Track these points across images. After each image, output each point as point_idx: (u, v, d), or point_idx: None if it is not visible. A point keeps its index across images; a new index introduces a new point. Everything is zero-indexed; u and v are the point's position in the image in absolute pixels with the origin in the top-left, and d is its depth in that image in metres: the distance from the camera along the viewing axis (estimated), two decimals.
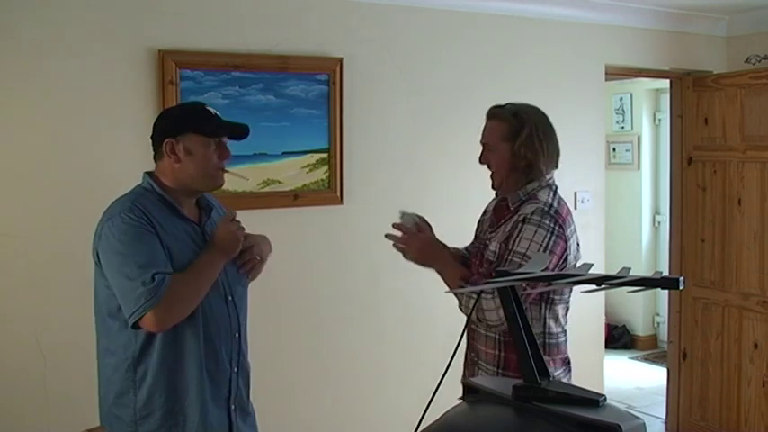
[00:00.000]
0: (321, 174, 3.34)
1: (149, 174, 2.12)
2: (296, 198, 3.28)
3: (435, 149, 3.67)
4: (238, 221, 2.11)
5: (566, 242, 2.27)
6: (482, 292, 2.17)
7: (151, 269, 1.92)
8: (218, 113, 2.12)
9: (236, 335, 2.16)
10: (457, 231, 3.83)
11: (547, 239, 2.22)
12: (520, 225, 2.25)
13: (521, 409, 1.62)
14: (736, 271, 4.22)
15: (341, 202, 3.40)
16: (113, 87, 2.94)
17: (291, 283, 3.31)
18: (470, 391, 1.88)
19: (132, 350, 2.02)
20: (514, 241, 2.23)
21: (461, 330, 2.23)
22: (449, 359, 1.81)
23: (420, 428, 1.71)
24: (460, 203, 3.76)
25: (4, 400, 2.81)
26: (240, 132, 2.14)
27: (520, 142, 2.34)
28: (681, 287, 1.49)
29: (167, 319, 1.95)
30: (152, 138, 2.11)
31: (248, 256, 2.18)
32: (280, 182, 3.22)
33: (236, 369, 2.15)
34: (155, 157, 2.11)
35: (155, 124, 2.13)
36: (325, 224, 3.41)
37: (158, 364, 2.01)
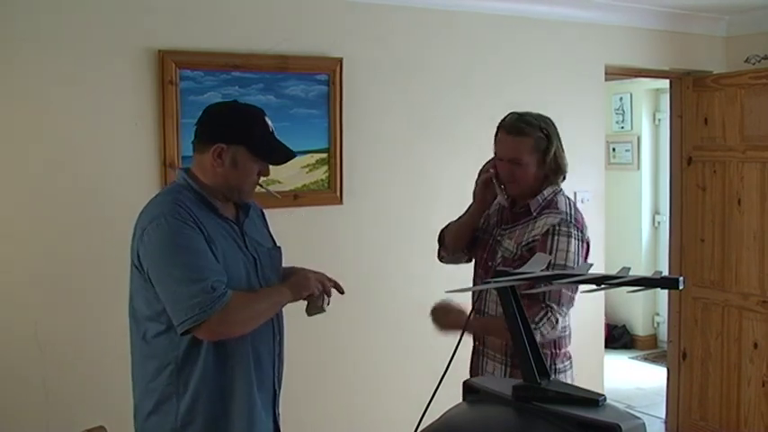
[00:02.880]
0: (321, 174, 3.34)
1: (186, 171, 2.05)
2: (296, 198, 3.28)
3: (435, 149, 3.67)
4: (321, 276, 2.14)
5: (588, 245, 2.41)
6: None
7: (208, 278, 1.85)
8: (273, 129, 2.05)
9: (278, 338, 2.13)
10: None
11: (578, 247, 2.33)
12: (551, 237, 2.30)
13: (521, 409, 1.62)
14: (736, 271, 4.22)
15: (341, 202, 3.40)
16: (113, 87, 2.94)
17: None
18: (470, 391, 1.88)
19: (176, 354, 1.94)
20: (555, 255, 2.28)
21: (461, 330, 2.23)
22: (449, 359, 1.81)
23: (420, 428, 1.71)
24: (460, 203, 3.76)
25: (3, 399, 2.81)
26: (286, 160, 2.09)
27: (550, 155, 2.40)
28: (681, 287, 1.49)
29: (222, 332, 1.90)
30: (200, 126, 2.03)
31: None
32: (280, 182, 3.22)
33: (276, 374, 2.13)
34: (195, 146, 2.03)
35: (208, 116, 2.04)
36: (326, 224, 3.41)
37: (203, 368, 1.94)
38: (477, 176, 2.53)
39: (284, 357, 2.19)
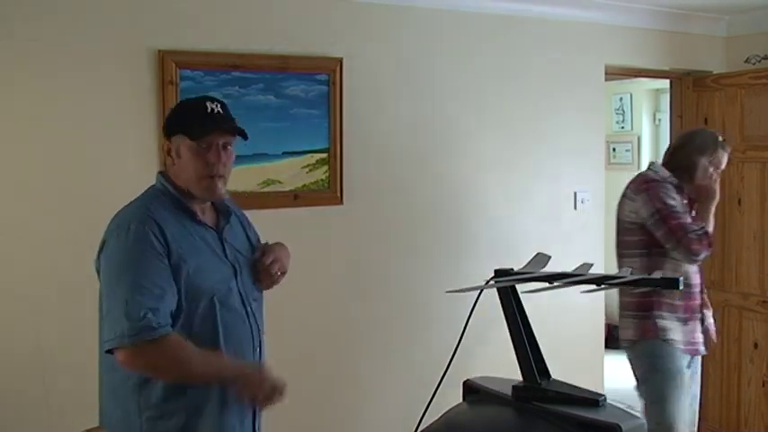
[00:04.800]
0: (321, 174, 3.34)
1: (162, 173, 2.02)
2: (296, 198, 3.28)
3: (435, 149, 3.67)
4: (274, 381, 1.95)
5: None
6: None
7: (145, 304, 1.77)
8: (219, 110, 1.98)
9: (258, 348, 2.06)
10: (457, 231, 3.84)
11: None
12: None
13: (521, 409, 1.63)
14: (736, 271, 4.22)
15: (341, 202, 3.39)
16: (113, 87, 2.94)
17: (291, 283, 3.30)
18: (470, 391, 1.88)
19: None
20: None
21: (461, 330, 2.23)
22: (449, 359, 1.81)
23: (420, 428, 1.71)
24: (460, 203, 3.76)
25: (4, 400, 2.81)
26: (230, 133, 1.99)
27: None
28: (680, 287, 1.50)
29: (136, 365, 1.82)
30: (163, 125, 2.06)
31: (273, 268, 2.09)
32: (280, 182, 3.22)
33: None
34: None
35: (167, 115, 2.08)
36: (325, 224, 3.40)
37: (163, 386, 1.87)
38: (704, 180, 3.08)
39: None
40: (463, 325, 2.20)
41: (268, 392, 1.93)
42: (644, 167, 6.95)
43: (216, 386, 1.92)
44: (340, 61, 3.34)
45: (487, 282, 2.13)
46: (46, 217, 2.86)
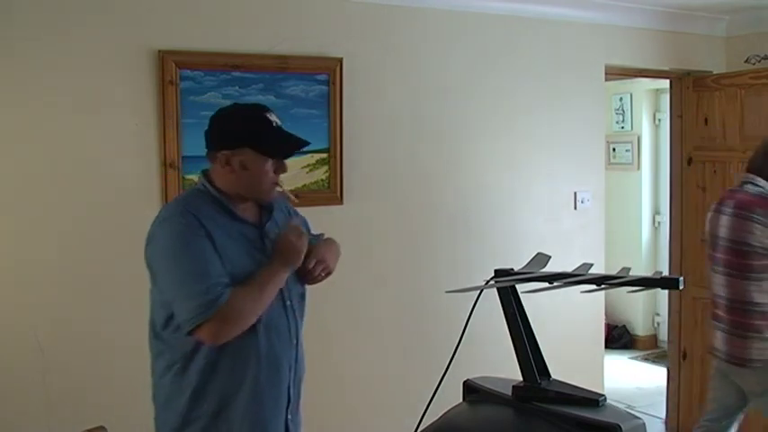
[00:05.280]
0: (321, 174, 3.34)
1: (205, 174, 2.06)
2: (296, 198, 3.27)
3: (435, 149, 3.67)
4: (299, 229, 2.06)
5: None
6: None
7: (207, 279, 1.86)
8: (279, 124, 2.03)
9: (295, 341, 2.09)
10: (457, 231, 3.84)
11: None
12: None
13: (521, 409, 1.63)
14: None
15: (341, 202, 3.40)
16: (113, 87, 2.94)
17: None
18: (470, 391, 1.88)
19: (181, 353, 1.95)
20: None
21: (461, 331, 2.23)
22: (449, 359, 1.81)
23: (420, 428, 1.71)
24: (460, 203, 3.76)
25: (4, 399, 2.81)
26: (297, 149, 2.07)
27: None
28: (681, 287, 1.49)
29: (223, 334, 1.88)
30: (206, 135, 2.04)
31: (316, 271, 2.11)
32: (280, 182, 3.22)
33: (293, 377, 2.09)
34: (207, 154, 2.04)
35: (211, 124, 2.05)
36: (326, 224, 3.38)
37: (203, 371, 1.94)
38: None
39: (303, 360, 2.15)
40: (463, 325, 2.20)
41: (298, 238, 2.01)
42: (644, 167, 6.94)
43: (248, 375, 1.97)
44: (340, 61, 3.34)
45: (487, 282, 2.13)
46: (45, 216, 2.87)
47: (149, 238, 1.97)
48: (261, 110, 2.05)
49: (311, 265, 2.10)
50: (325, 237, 2.30)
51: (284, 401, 2.07)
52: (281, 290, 2.02)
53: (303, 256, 2.03)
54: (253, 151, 1.97)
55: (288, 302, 2.07)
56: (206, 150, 2.05)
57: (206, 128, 2.06)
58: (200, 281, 1.85)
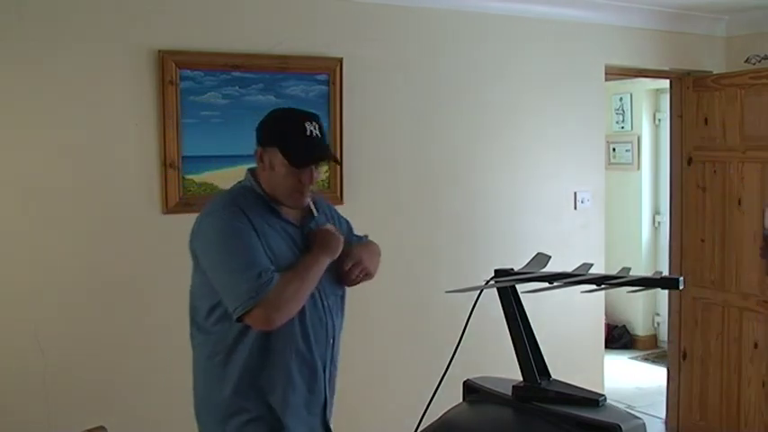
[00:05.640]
0: (321, 174, 3.33)
1: (252, 171, 2.11)
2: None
3: (435, 149, 3.67)
4: (335, 228, 2.12)
5: None
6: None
7: (256, 266, 1.91)
8: (316, 134, 2.05)
9: (331, 340, 2.13)
10: (457, 231, 3.84)
11: None
12: None
13: (521, 409, 1.63)
14: (736, 271, 4.21)
15: (341, 202, 3.39)
16: (113, 87, 2.94)
17: None
18: (470, 391, 1.88)
19: (223, 346, 2.00)
20: None
21: (461, 331, 2.23)
22: (449, 359, 1.81)
23: (420, 428, 1.71)
24: (460, 203, 3.76)
25: (4, 399, 2.81)
26: (312, 162, 2.07)
27: None
28: (680, 287, 1.50)
29: (276, 317, 1.92)
30: (257, 128, 2.09)
31: (353, 273, 2.15)
32: None
33: (327, 376, 2.12)
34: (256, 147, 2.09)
35: (260, 120, 2.10)
36: None
37: (244, 363, 1.99)
38: None
39: (338, 360, 2.18)
40: (463, 325, 2.20)
41: (330, 236, 2.07)
42: (644, 167, 6.93)
43: (286, 369, 2.01)
44: (340, 61, 3.34)
45: (487, 282, 2.13)
46: (45, 216, 2.87)
47: (195, 231, 2.02)
48: (302, 116, 2.08)
49: (348, 267, 2.13)
50: (367, 239, 2.34)
51: (321, 401, 2.11)
52: (317, 290, 2.04)
53: (341, 248, 2.08)
54: (279, 152, 2.02)
55: (325, 302, 2.09)
56: None
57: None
58: (249, 268, 1.90)
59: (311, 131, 2.04)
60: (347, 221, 2.36)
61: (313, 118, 2.08)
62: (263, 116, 2.11)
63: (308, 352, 2.05)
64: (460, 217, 3.76)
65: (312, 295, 2.03)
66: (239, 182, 2.13)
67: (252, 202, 2.03)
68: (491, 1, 3.73)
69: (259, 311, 1.89)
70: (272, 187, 2.05)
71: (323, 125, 2.10)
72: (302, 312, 2.01)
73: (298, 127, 2.03)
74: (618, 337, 6.52)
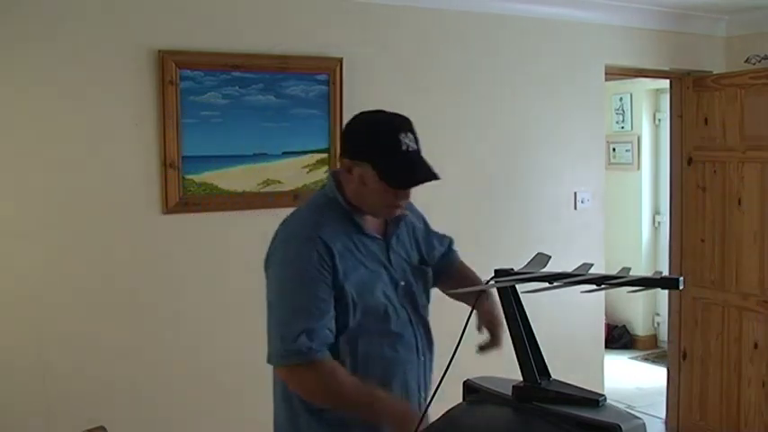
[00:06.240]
0: (321, 174, 3.34)
1: (335, 177, 1.92)
2: (296, 198, 3.27)
3: (435, 149, 3.64)
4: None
5: None
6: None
7: (302, 325, 1.74)
8: (414, 148, 1.85)
9: (422, 358, 2.01)
10: (456, 231, 3.83)
11: None
12: None
13: (521, 409, 1.62)
14: (736, 271, 4.22)
15: None
16: (113, 87, 2.94)
17: None
18: (471, 391, 1.88)
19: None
20: None
21: (461, 331, 2.23)
22: (449, 359, 1.80)
23: (420, 428, 1.71)
24: (459, 203, 3.76)
25: (4, 399, 2.81)
26: (415, 184, 1.88)
27: None
28: (680, 287, 1.49)
29: (291, 385, 1.82)
30: (341, 137, 1.93)
31: (492, 344, 2.05)
32: (280, 182, 3.22)
33: (423, 395, 2.00)
34: (339, 155, 1.93)
35: (345, 126, 1.92)
36: None
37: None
38: None
39: (431, 377, 2.06)
40: (463, 325, 2.20)
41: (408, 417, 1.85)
42: (644, 167, 6.94)
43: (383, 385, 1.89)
44: (340, 61, 3.34)
45: (487, 282, 2.12)
46: (46, 216, 2.86)
47: (271, 252, 1.88)
48: (398, 127, 1.85)
49: (500, 343, 2.03)
50: (451, 240, 2.22)
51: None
52: (403, 305, 1.95)
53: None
54: (372, 169, 1.81)
55: (410, 316, 2.00)
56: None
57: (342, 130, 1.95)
58: (297, 322, 1.75)
59: (407, 146, 1.83)
60: (424, 219, 2.20)
61: (406, 126, 1.86)
62: (349, 120, 1.91)
63: (402, 372, 1.95)
64: (460, 216, 3.76)
65: (404, 309, 1.94)
66: (322, 187, 1.98)
67: (337, 217, 1.86)
68: (491, 1, 3.73)
69: (285, 373, 1.80)
70: (362, 202, 1.87)
71: (415, 131, 1.89)
72: (387, 331, 1.90)
73: (392, 142, 1.81)
74: (618, 337, 6.52)
